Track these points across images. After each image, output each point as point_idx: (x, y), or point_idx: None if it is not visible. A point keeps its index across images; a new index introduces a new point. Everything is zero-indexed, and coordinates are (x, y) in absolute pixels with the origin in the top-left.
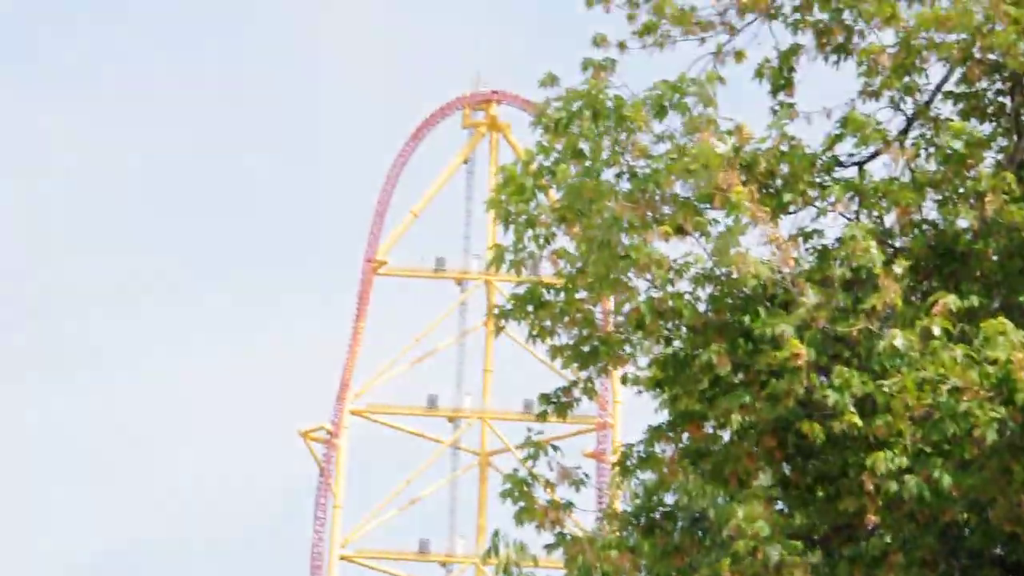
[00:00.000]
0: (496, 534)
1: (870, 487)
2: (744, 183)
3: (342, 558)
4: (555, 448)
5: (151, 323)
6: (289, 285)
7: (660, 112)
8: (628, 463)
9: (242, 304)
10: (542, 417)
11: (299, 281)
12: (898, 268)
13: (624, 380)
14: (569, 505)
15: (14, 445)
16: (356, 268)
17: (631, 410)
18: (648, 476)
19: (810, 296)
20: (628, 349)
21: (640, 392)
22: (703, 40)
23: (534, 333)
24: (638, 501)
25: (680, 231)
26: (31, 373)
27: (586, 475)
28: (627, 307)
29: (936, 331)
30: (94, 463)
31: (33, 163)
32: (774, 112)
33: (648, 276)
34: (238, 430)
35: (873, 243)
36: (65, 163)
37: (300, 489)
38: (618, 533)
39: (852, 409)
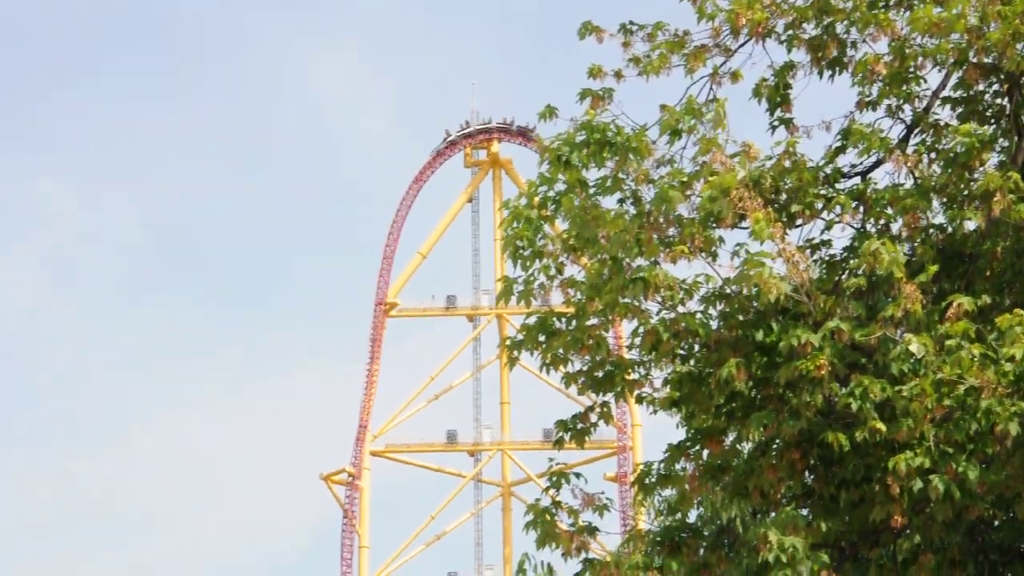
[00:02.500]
0: (524, 559)
1: (896, 490)
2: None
3: None
4: (577, 475)
5: (164, 379)
6: (303, 334)
7: (674, 136)
8: (647, 481)
9: (257, 356)
10: (559, 444)
11: (313, 329)
12: (921, 276)
13: (640, 400)
14: (594, 529)
15: (38, 513)
16: (367, 312)
17: (650, 432)
18: (669, 494)
19: (837, 310)
20: (642, 371)
21: (655, 412)
22: (691, 69)
23: (547, 362)
24: (662, 519)
25: (690, 251)
26: (48, 440)
27: (609, 499)
28: (641, 330)
29: (954, 334)
30: (123, 515)
31: (32, 223)
32: (773, 128)
33: (658, 298)
34: (261, 478)
35: (898, 251)
36: (68, 222)
37: (326, 532)
38: (643, 554)
39: (875, 415)
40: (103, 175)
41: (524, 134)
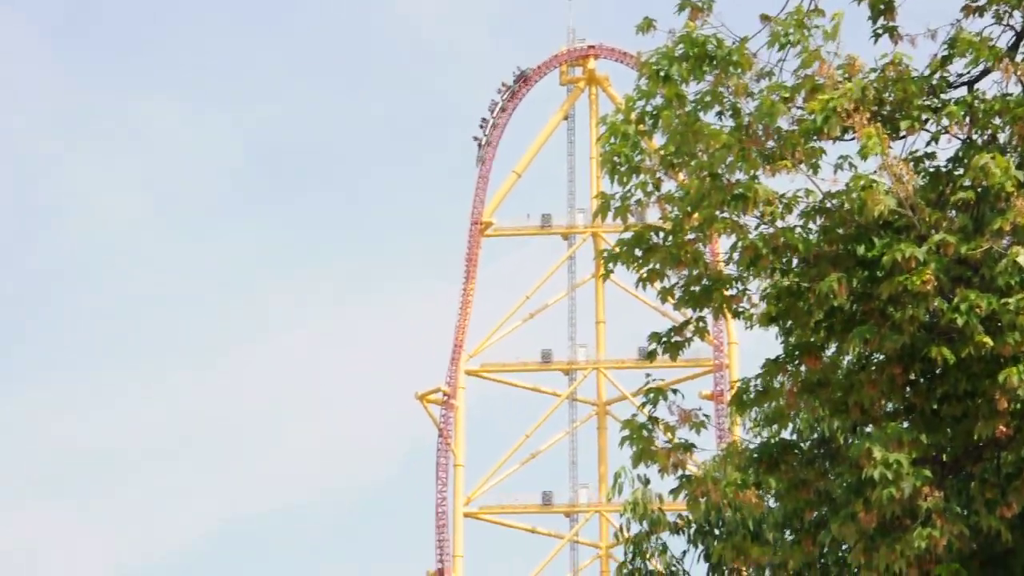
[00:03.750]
0: (619, 473)
1: (1004, 404)
2: (856, 110)
3: (467, 515)
4: (674, 391)
5: (263, 300)
6: (399, 254)
7: (783, 48)
8: (745, 397)
9: (354, 276)
10: (652, 356)
11: (408, 249)
12: None
13: (737, 315)
14: (691, 446)
15: (145, 426)
16: (463, 231)
17: (747, 351)
18: (767, 409)
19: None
20: (740, 287)
21: (751, 327)
22: None
23: (643, 277)
24: (759, 434)
25: (791, 164)
26: (153, 358)
27: (706, 416)
28: (740, 245)
29: None
30: (225, 436)
31: (135, 144)
32: (876, 36)
33: (757, 213)
34: (358, 397)
35: (1010, 164)
36: (170, 143)
37: (422, 451)
38: (740, 469)
39: (980, 330)
40: (205, 96)
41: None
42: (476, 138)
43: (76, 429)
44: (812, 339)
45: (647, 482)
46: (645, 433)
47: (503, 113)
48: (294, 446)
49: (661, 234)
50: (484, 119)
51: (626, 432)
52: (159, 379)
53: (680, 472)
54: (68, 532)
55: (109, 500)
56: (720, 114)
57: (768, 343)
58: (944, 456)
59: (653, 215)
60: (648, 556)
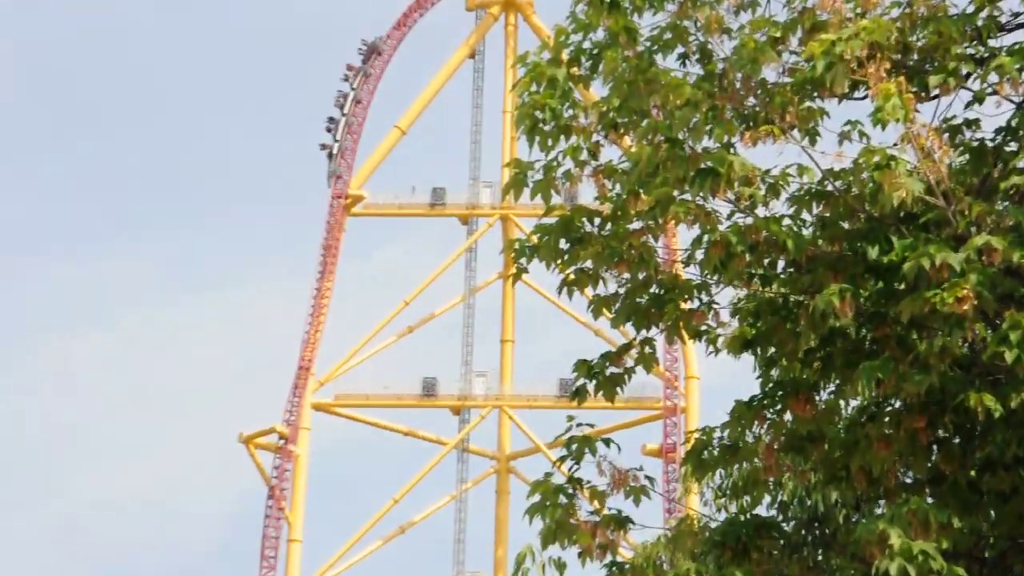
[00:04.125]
0: (523, 556)
1: None
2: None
3: None
4: (606, 443)
5: (31, 288)
6: (229, 237)
7: None
8: (706, 454)
9: (167, 263)
10: (578, 395)
11: (243, 230)
12: None
13: (698, 337)
14: (626, 521)
15: None
16: (319, 209)
17: (711, 388)
18: (736, 472)
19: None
20: (704, 297)
21: (715, 353)
22: None
23: (570, 280)
24: (723, 507)
25: (780, 130)
26: None
27: (650, 479)
28: (706, 239)
29: None
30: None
31: None
32: None
33: (731, 195)
34: (157, 437)
35: None
36: None
37: (244, 517)
38: (696, 557)
39: None
40: None
41: None
42: (325, 146)
43: None
44: (802, 375)
45: (562, 566)
46: (563, 500)
47: (365, 88)
48: (56, 509)
49: (597, 220)
50: (332, 119)
51: (536, 498)
52: None
53: (610, 558)
54: None
55: None
56: (684, 58)
57: (741, 378)
58: (986, 549)
59: (587, 194)
60: None
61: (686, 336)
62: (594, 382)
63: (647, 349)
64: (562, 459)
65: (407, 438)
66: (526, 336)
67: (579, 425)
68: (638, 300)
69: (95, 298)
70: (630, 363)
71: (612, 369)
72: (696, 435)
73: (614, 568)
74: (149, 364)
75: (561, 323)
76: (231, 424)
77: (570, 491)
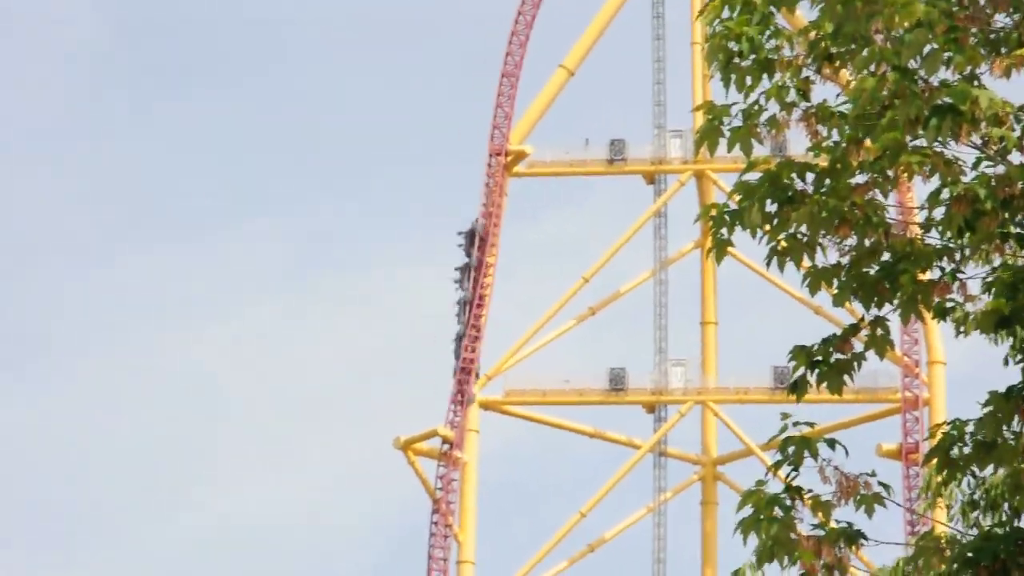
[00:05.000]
0: None
1: None
2: None
3: None
4: (831, 445)
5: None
6: (370, 205)
7: None
8: (955, 453)
9: (290, 243)
10: (799, 390)
11: (386, 197)
12: None
13: (943, 316)
14: (858, 536)
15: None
16: (475, 168)
17: (961, 376)
18: (992, 475)
19: None
20: (948, 265)
21: (966, 334)
22: None
23: (781, 248)
24: (974, 521)
25: None
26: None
27: (885, 486)
28: (945, 193)
29: None
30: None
31: None
32: None
33: (977, 139)
34: (301, 446)
35: None
36: None
37: (405, 534)
38: None
39: None
40: None
41: None
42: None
43: None
44: None
45: None
46: (779, 512)
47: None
48: (189, 524)
49: (810, 176)
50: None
51: (748, 510)
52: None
53: None
54: None
55: None
56: None
57: (995, 364)
58: None
59: (797, 143)
60: None
61: (926, 314)
62: (816, 372)
63: (879, 330)
64: (778, 464)
65: (593, 440)
66: (731, 317)
67: (797, 424)
68: (865, 271)
69: (217, 287)
70: (859, 348)
71: (837, 354)
72: (944, 429)
73: None
74: (283, 360)
75: (773, 301)
76: (385, 427)
77: (788, 502)
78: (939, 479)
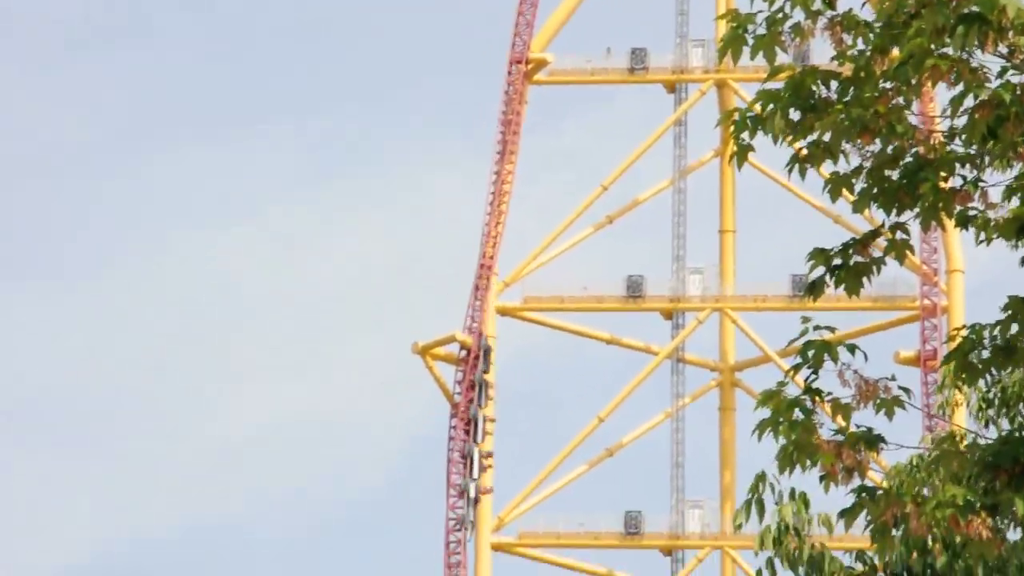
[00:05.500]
0: (758, 483)
1: None
2: None
3: (496, 547)
4: (851, 350)
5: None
6: (390, 114)
7: None
8: (974, 357)
9: (321, 144)
10: (815, 290)
11: (406, 105)
12: None
13: (964, 223)
14: (877, 440)
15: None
16: (495, 77)
17: (980, 283)
18: (1011, 374)
19: None
20: (970, 172)
21: (987, 242)
22: None
23: (802, 156)
24: (991, 419)
25: None
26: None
27: (905, 390)
28: (969, 100)
29: None
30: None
31: None
32: None
33: (1003, 48)
34: (329, 353)
35: None
36: None
37: (423, 439)
38: (964, 481)
39: None
40: None
41: None
42: None
43: None
44: None
45: (805, 501)
46: (799, 415)
47: None
48: (211, 433)
49: (834, 84)
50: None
51: (766, 412)
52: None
53: (858, 482)
54: None
55: None
56: None
57: (1015, 272)
58: None
59: (821, 51)
60: None
61: (947, 221)
62: (834, 274)
63: (900, 236)
64: (797, 367)
65: (610, 346)
66: (749, 225)
67: (817, 328)
68: (887, 175)
69: (237, 188)
70: (878, 252)
71: (857, 258)
72: (963, 335)
73: (863, 494)
74: (303, 263)
75: (792, 209)
76: (403, 332)
77: (808, 405)
78: (957, 380)
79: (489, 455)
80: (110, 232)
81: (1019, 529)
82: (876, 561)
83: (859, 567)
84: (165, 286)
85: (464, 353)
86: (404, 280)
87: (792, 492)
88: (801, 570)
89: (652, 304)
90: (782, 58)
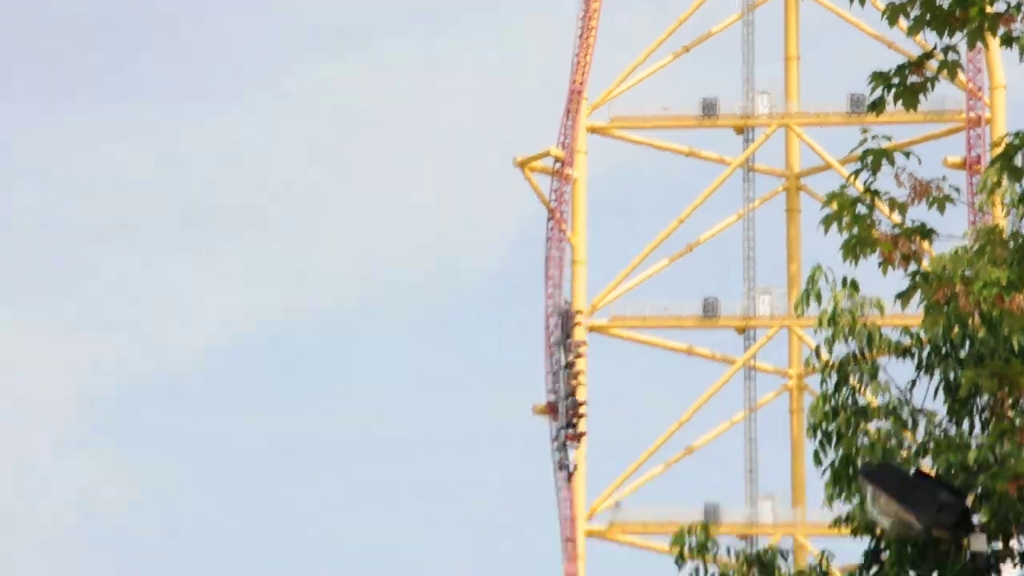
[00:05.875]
0: (817, 272)
1: None
2: None
3: (591, 329)
4: (906, 155)
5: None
6: None
7: None
8: (1017, 159)
9: None
10: (875, 107)
11: None
12: None
13: (1007, 43)
14: (930, 232)
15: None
16: None
17: (1021, 96)
18: None
19: None
20: None
21: None
22: None
23: None
24: None
25: None
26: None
27: (955, 188)
28: None
29: None
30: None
31: None
32: None
33: None
34: (431, 162)
35: None
36: None
37: (524, 241)
38: (1005, 262)
39: None
40: None
41: None
42: None
43: None
44: None
45: (855, 287)
46: (861, 210)
47: None
48: (331, 241)
49: None
50: None
51: (831, 209)
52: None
53: (912, 268)
54: None
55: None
56: None
57: None
58: None
59: None
60: (859, 388)
61: (992, 42)
62: (890, 91)
63: (949, 57)
64: (857, 172)
65: (689, 159)
66: (811, 52)
67: (876, 137)
68: (938, 3)
69: (349, 23)
70: (930, 73)
71: (912, 78)
72: (1008, 140)
73: (917, 277)
74: (414, 91)
75: (851, 34)
76: (504, 149)
77: (868, 203)
78: (999, 179)
79: (582, 404)
80: (225, 60)
81: None
82: (922, 336)
83: (906, 341)
84: (280, 112)
85: (558, 165)
86: (501, 103)
87: (844, 280)
88: (853, 343)
89: (725, 121)
90: None
